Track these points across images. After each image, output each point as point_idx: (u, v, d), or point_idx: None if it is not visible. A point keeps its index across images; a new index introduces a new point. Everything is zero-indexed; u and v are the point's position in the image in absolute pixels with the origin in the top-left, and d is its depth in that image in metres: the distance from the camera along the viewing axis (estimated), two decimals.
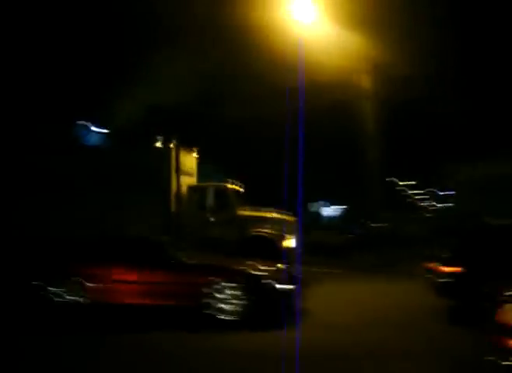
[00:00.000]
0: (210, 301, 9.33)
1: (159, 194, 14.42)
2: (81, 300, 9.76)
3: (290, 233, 14.82)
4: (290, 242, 14.78)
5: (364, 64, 15.86)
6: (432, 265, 10.32)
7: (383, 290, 13.33)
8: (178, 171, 14.86)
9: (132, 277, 9.76)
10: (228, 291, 9.33)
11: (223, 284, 9.36)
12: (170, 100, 23.70)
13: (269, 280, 9.59)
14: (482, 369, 5.91)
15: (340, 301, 11.63)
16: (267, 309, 9.47)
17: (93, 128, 22.51)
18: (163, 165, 14.59)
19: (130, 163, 14.28)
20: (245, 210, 15.41)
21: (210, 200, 15.31)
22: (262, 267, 9.95)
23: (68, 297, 9.82)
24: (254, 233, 14.77)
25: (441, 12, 19.24)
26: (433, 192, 44.32)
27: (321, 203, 47.80)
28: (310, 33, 16.32)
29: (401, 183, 45.20)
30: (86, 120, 22.37)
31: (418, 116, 24.01)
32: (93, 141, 21.64)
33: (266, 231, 14.78)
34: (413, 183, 46.27)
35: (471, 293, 8.62)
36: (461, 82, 23.17)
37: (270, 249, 14.18)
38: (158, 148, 14.82)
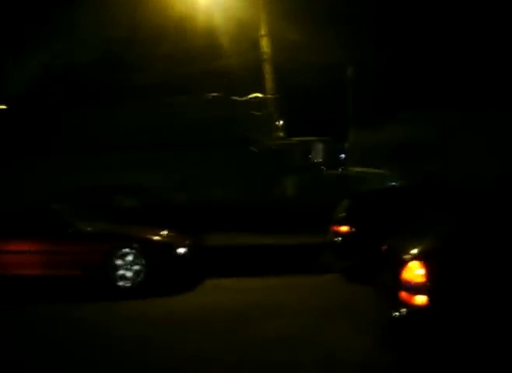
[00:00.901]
0: (110, 269, 9.28)
1: (256, 153, 12.77)
2: None
3: None
4: None
5: (264, 27, 15.91)
6: (330, 226, 10.64)
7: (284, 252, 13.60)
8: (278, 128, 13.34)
9: (28, 247, 9.55)
10: (128, 258, 9.31)
11: (124, 251, 9.32)
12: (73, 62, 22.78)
13: (171, 246, 9.65)
14: (383, 323, 6.22)
15: (241, 264, 11.80)
16: (168, 275, 9.55)
17: None
18: (267, 120, 13.01)
19: (218, 119, 12.61)
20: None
21: (318, 156, 13.67)
22: (164, 233, 10.01)
23: None
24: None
25: None
26: None
27: None
28: None
29: None
30: None
31: (319, 81, 24.41)
32: None
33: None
34: None
35: (366, 251, 9.02)
36: (362, 47, 23.71)
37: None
38: (259, 99, 13.17)
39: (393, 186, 10.84)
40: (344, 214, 10.08)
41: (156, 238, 9.80)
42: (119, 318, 7.89)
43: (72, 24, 21.45)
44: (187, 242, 10.14)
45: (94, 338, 7.07)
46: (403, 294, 5.48)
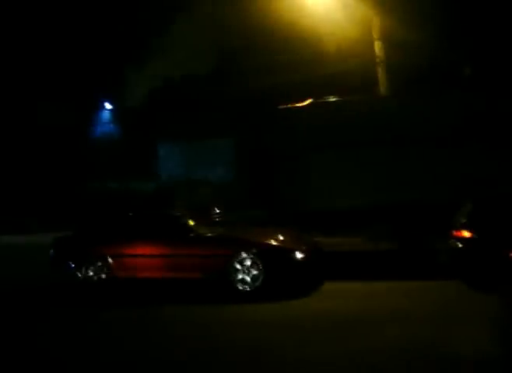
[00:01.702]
0: (229, 272, 9.53)
1: None
2: (109, 277, 10.17)
3: None
4: None
5: (375, 31, 15.67)
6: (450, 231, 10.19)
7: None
8: None
9: (152, 250, 10.06)
10: (247, 263, 9.52)
11: (243, 255, 9.54)
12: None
13: (289, 251, 9.74)
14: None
15: (355, 267, 11.64)
16: (286, 279, 9.64)
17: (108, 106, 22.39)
18: None
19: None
20: None
21: None
22: (282, 237, 10.14)
23: (97, 275, 10.24)
24: None
25: None
26: None
27: None
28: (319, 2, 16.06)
29: None
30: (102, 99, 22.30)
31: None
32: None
33: None
34: None
35: (488, 258, 8.68)
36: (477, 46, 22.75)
37: None
38: None
39: None
40: (466, 219, 9.70)
41: (275, 242, 9.93)
42: (236, 321, 8.12)
43: (189, 36, 22.16)
44: (307, 246, 10.16)
45: (210, 339, 7.33)
46: None
